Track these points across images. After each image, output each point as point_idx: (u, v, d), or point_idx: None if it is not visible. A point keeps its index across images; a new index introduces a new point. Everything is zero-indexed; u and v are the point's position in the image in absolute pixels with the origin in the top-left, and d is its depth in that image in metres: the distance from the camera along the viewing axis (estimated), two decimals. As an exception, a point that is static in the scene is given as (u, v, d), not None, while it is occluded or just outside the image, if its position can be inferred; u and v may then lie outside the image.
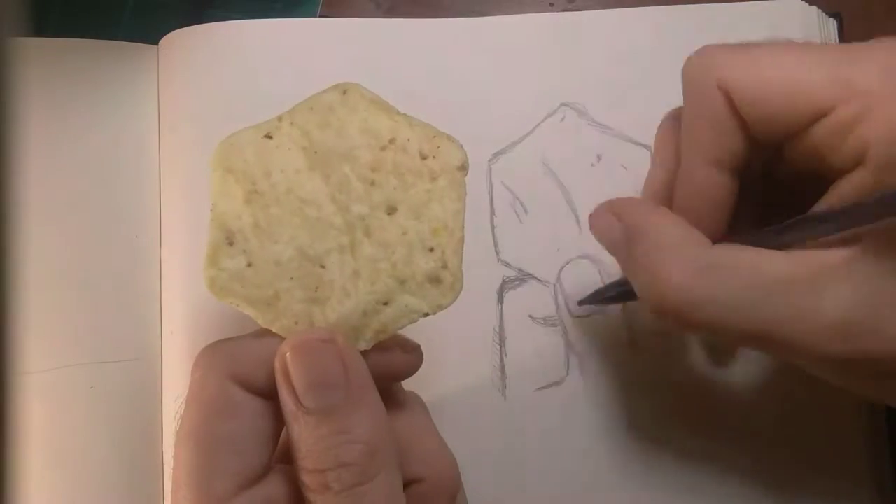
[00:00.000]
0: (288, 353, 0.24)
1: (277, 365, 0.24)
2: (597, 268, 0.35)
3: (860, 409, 0.33)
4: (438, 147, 0.25)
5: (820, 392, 0.34)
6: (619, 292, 0.31)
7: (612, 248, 0.28)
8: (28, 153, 0.34)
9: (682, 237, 0.26)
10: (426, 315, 0.25)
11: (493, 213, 0.35)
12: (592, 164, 0.36)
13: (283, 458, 0.25)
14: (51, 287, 0.34)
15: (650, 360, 0.34)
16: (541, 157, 0.36)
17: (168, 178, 0.35)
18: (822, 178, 0.25)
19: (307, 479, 0.23)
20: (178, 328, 0.34)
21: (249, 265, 0.24)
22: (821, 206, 0.25)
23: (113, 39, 0.36)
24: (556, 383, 0.34)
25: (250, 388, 0.24)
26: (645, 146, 0.36)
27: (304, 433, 0.23)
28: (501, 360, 0.34)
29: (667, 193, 0.29)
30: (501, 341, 0.34)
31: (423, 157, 0.25)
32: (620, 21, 0.37)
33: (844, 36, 0.37)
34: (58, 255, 0.34)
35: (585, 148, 0.36)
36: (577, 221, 0.35)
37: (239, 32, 0.36)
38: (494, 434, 0.33)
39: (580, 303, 0.34)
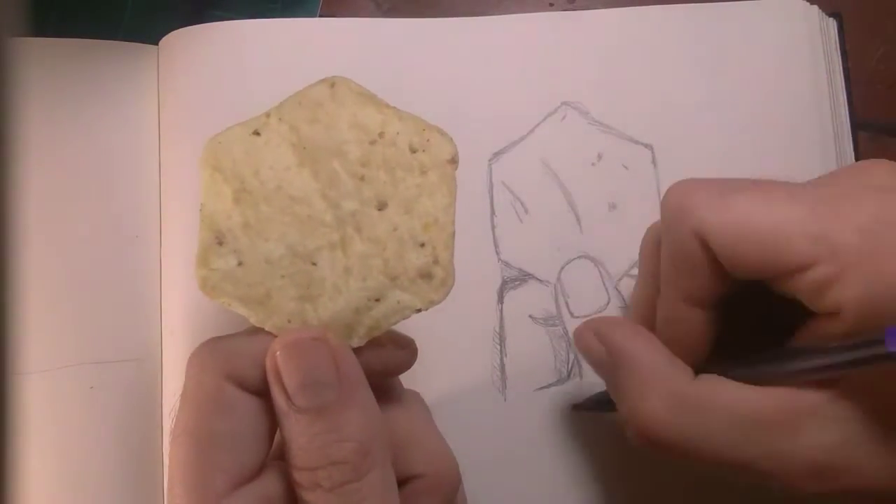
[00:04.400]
0: (279, 352, 0.24)
1: (268, 364, 0.24)
2: (597, 268, 0.35)
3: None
4: (428, 140, 0.25)
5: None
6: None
7: (595, 368, 0.29)
8: (28, 153, 0.34)
9: (662, 367, 0.26)
10: (418, 311, 0.25)
11: (493, 213, 0.35)
12: (592, 164, 0.36)
13: (279, 455, 0.25)
14: (51, 287, 0.34)
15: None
16: (541, 156, 0.36)
17: (168, 178, 0.35)
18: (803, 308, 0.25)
19: (299, 476, 0.23)
20: (178, 328, 0.34)
21: (240, 264, 0.24)
22: (799, 340, 0.25)
23: (113, 39, 0.36)
24: (557, 383, 0.34)
25: (245, 386, 0.24)
26: (645, 145, 0.36)
27: (295, 431, 0.23)
28: (501, 360, 0.34)
29: (651, 311, 0.28)
30: (501, 341, 0.34)
31: (413, 151, 0.25)
32: (620, 21, 0.37)
33: (844, 36, 0.37)
34: (58, 255, 0.34)
35: (585, 148, 0.36)
36: (577, 221, 0.35)
37: (239, 32, 0.36)
38: (494, 434, 0.33)
39: (575, 407, 0.33)
